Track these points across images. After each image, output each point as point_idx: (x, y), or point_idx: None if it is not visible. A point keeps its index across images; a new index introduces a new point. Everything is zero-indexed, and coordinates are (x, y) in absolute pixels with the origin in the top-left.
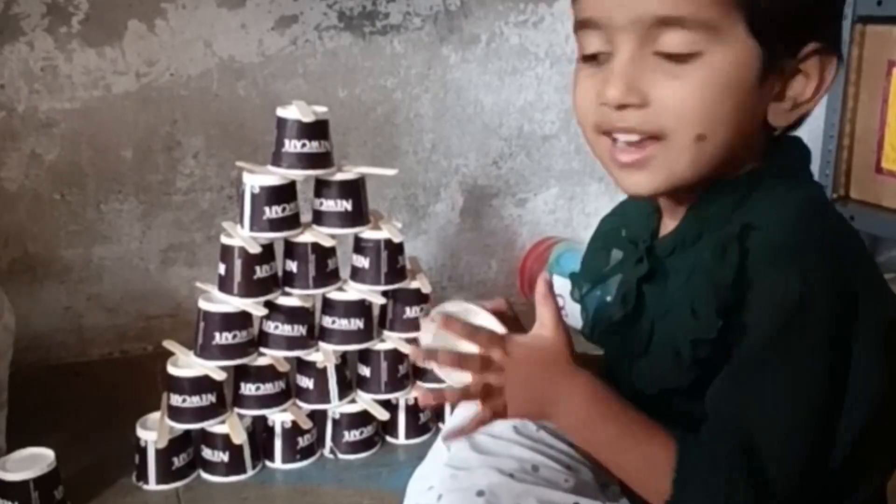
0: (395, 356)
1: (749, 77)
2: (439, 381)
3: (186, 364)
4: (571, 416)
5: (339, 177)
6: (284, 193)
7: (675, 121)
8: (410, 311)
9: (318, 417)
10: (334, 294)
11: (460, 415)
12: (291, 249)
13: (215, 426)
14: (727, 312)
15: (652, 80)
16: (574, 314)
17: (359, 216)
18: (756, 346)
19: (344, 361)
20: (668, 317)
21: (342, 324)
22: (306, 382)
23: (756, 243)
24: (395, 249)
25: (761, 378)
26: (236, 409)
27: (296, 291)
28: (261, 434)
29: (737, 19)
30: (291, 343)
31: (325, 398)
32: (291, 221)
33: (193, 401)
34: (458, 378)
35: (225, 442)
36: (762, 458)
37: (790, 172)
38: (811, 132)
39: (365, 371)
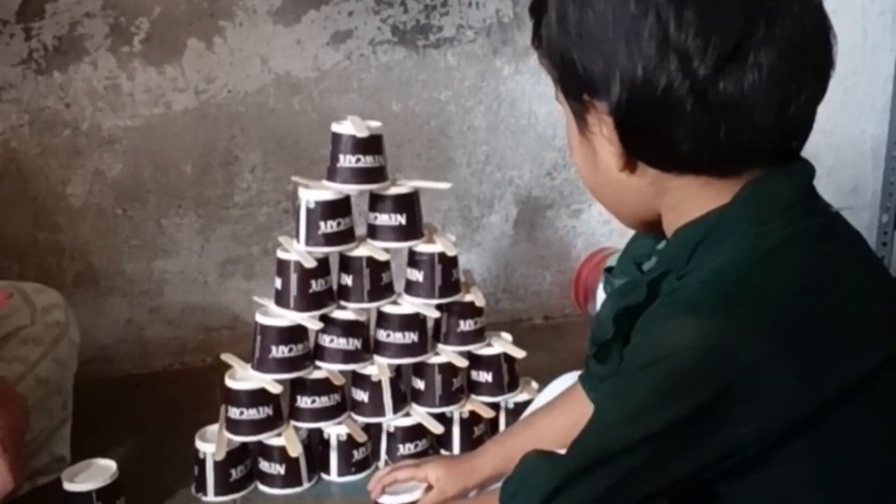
0: (450, 369)
1: (575, 135)
2: (493, 394)
3: (244, 377)
4: None
5: (394, 191)
6: (339, 208)
7: None
8: (465, 325)
9: (372, 430)
10: (389, 308)
11: None
12: (346, 263)
13: (272, 439)
14: (621, 340)
15: None
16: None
17: (413, 230)
18: (619, 374)
19: (398, 375)
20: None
21: (397, 337)
22: (361, 395)
23: (666, 290)
24: (449, 263)
25: (598, 409)
26: (292, 422)
27: (351, 305)
28: (316, 447)
29: (559, 91)
30: (347, 356)
31: (380, 411)
32: (346, 236)
33: (251, 413)
34: None
35: (281, 454)
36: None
37: (755, 214)
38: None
39: (419, 384)
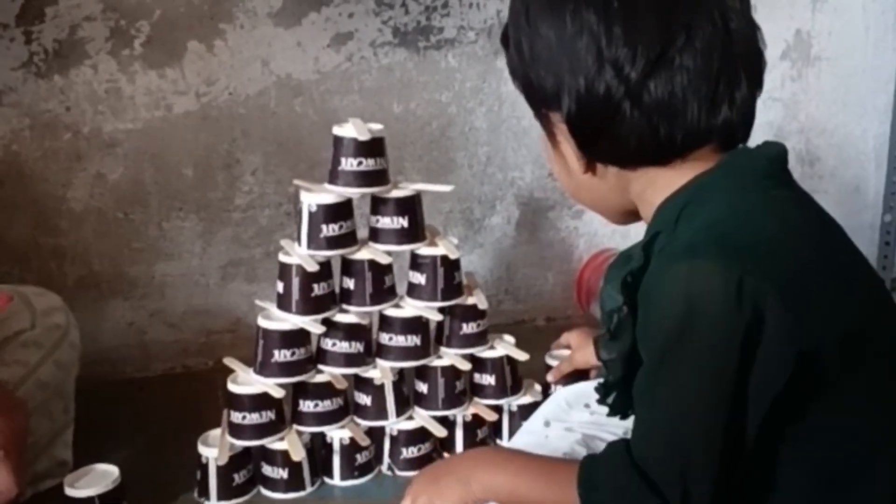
0: (453, 372)
1: (547, 145)
2: (496, 397)
3: (246, 381)
4: (480, 471)
5: (395, 194)
6: (341, 211)
7: None
8: (467, 328)
9: (375, 434)
10: (391, 311)
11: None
12: (348, 266)
13: (275, 443)
14: (632, 309)
15: None
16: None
17: (415, 233)
18: (647, 359)
19: (401, 378)
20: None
21: (399, 340)
22: (364, 399)
23: (658, 247)
24: (451, 266)
25: (646, 394)
26: (295, 426)
27: (353, 308)
28: (319, 451)
29: None
30: (349, 360)
31: (383, 415)
32: (348, 239)
33: (253, 418)
34: None
35: (284, 459)
36: (651, 471)
37: (733, 180)
38: None
39: (422, 387)
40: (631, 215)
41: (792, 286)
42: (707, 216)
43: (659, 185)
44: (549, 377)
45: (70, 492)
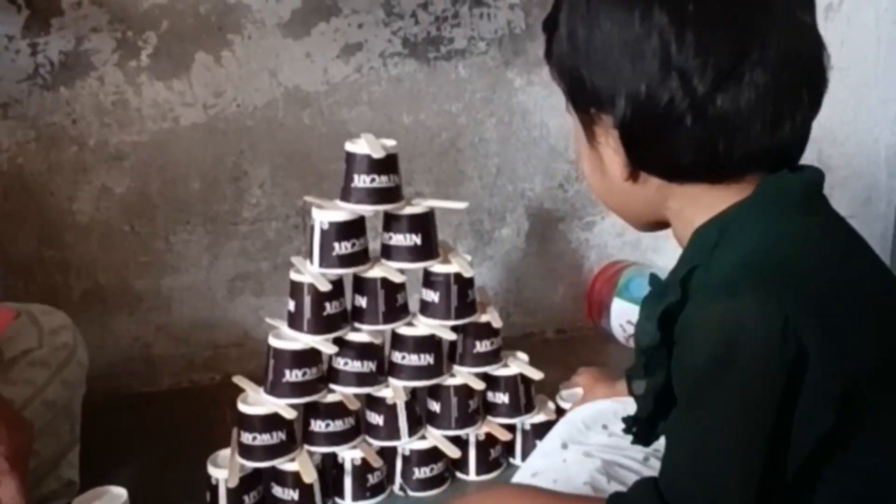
0: (466, 391)
1: (583, 147)
2: (510, 416)
3: (257, 401)
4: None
5: (409, 210)
6: (354, 229)
7: None
8: (481, 346)
9: (387, 454)
10: (404, 329)
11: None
12: (361, 285)
13: (286, 464)
14: (668, 345)
15: None
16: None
17: (428, 250)
18: (682, 397)
19: (414, 397)
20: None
21: (412, 359)
22: (376, 419)
23: (696, 285)
24: (464, 283)
25: (679, 432)
26: (306, 446)
27: (365, 327)
28: (330, 471)
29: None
30: (361, 379)
31: (395, 435)
32: (360, 257)
33: (264, 438)
34: None
35: (295, 480)
36: None
37: (769, 207)
38: None
39: (435, 407)
40: (657, 226)
41: (833, 320)
42: (744, 247)
43: (701, 205)
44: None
45: None
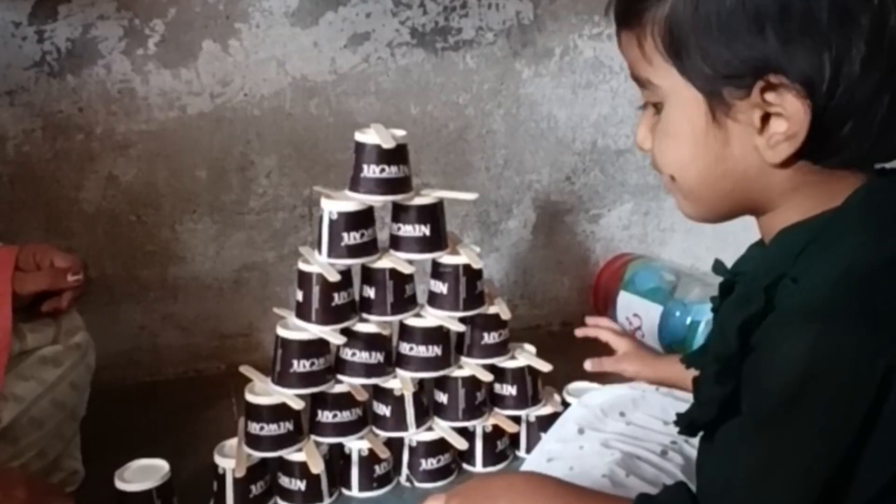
0: (473, 383)
1: (698, 123)
2: (517, 408)
3: (264, 391)
4: (522, 502)
5: (418, 201)
6: (362, 219)
7: (660, 165)
8: (489, 338)
9: (394, 445)
10: (412, 320)
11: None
12: (369, 275)
13: (293, 454)
14: (742, 354)
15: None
16: (651, 333)
17: (437, 241)
18: (752, 414)
19: (421, 388)
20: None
21: (420, 350)
22: (383, 410)
23: (783, 297)
24: (473, 275)
25: (739, 448)
26: (313, 437)
27: (373, 318)
28: (337, 461)
29: (672, 74)
30: (369, 370)
31: (403, 426)
32: (369, 247)
33: (271, 429)
34: None
35: (302, 470)
36: None
37: (868, 221)
38: None
39: (442, 398)
40: (725, 217)
41: None
42: (841, 263)
43: (812, 199)
44: (588, 364)
45: (125, 486)
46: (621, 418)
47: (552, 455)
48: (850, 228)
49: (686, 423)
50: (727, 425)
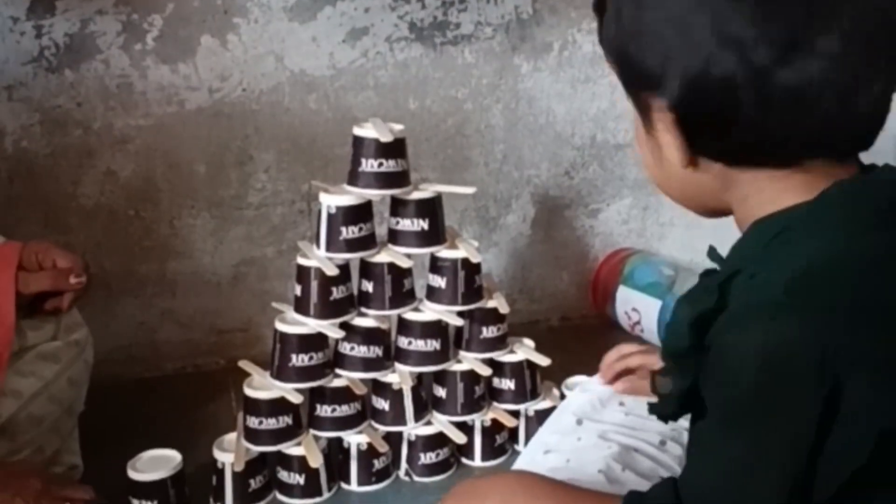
0: (472, 377)
1: (641, 134)
2: (516, 402)
3: (263, 386)
4: (518, 501)
5: (416, 195)
6: (361, 213)
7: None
8: (487, 332)
9: (393, 439)
10: (410, 315)
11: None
12: (367, 269)
13: (291, 448)
14: (699, 349)
15: None
16: (650, 328)
17: (435, 235)
18: (714, 412)
19: (420, 383)
20: None
21: (418, 345)
22: (382, 404)
23: (738, 293)
24: (472, 269)
25: (708, 447)
26: (312, 431)
27: (372, 312)
28: (336, 456)
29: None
30: (367, 364)
31: (401, 420)
32: (367, 241)
33: (270, 423)
34: None
35: (301, 464)
36: None
37: (843, 217)
38: None
39: (441, 392)
40: (720, 213)
41: (885, 359)
42: (799, 261)
43: (766, 195)
44: (600, 378)
45: (139, 476)
46: (620, 408)
47: (549, 447)
48: (822, 224)
49: (656, 412)
50: (698, 425)
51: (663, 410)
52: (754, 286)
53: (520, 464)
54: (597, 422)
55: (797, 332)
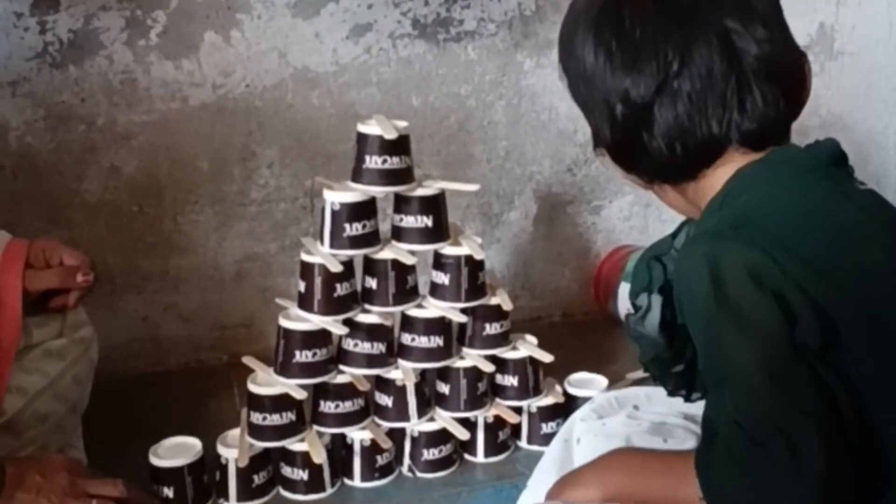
0: (475, 374)
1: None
2: (519, 398)
3: (266, 382)
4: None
5: (420, 192)
6: (365, 210)
7: None
8: (490, 328)
9: (396, 435)
10: (414, 311)
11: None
12: (371, 266)
13: (295, 444)
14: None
15: None
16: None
17: (439, 232)
18: (697, 336)
19: (423, 379)
20: None
21: (422, 341)
22: (385, 400)
23: (684, 237)
24: (475, 266)
25: (714, 369)
26: (315, 427)
27: (375, 308)
28: (339, 452)
29: None
30: (371, 361)
31: (404, 416)
32: (371, 238)
33: (274, 419)
34: None
35: (304, 460)
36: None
37: (773, 172)
38: None
39: (444, 389)
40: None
41: (813, 273)
42: (741, 204)
43: (705, 189)
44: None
45: (158, 462)
46: (636, 411)
47: (580, 434)
48: (754, 180)
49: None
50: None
51: (644, 356)
52: (701, 225)
53: (547, 458)
54: (616, 414)
55: (738, 247)
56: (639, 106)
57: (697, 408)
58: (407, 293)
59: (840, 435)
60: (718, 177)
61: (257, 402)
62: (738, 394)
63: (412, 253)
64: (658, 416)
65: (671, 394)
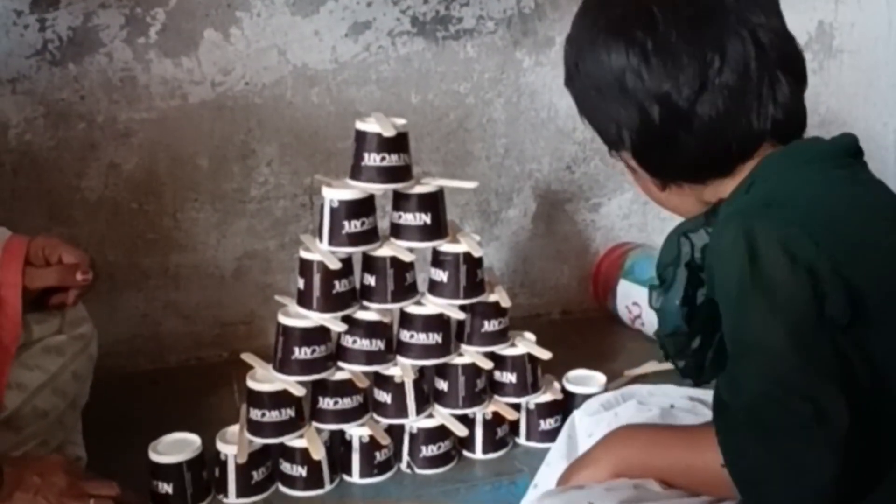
0: (473, 370)
1: (624, 165)
2: (517, 395)
3: (265, 378)
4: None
5: (418, 189)
6: (363, 207)
7: None
8: (489, 325)
9: (395, 432)
10: (412, 308)
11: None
12: (370, 263)
13: (294, 441)
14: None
15: None
16: (651, 322)
17: (437, 229)
18: (728, 308)
19: (422, 376)
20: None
21: (420, 338)
22: (384, 397)
23: (720, 213)
24: (474, 263)
25: (740, 338)
26: (314, 423)
27: (374, 305)
28: (338, 448)
29: None
30: (370, 357)
31: (403, 413)
32: (370, 235)
33: (273, 415)
34: None
35: (303, 456)
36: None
37: (794, 160)
38: None
39: (442, 385)
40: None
41: (838, 251)
42: (769, 187)
43: (728, 187)
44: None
45: (158, 458)
46: (641, 405)
47: (591, 431)
48: (777, 167)
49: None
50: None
51: (663, 329)
52: (730, 206)
53: (554, 453)
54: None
55: (772, 224)
56: (679, 107)
57: (704, 393)
58: (406, 290)
59: (860, 401)
60: (747, 170)
61: (256, 399)
62: (766, 363)
63: (411, 250)
64: (667, 400)
65: (682, 372)
